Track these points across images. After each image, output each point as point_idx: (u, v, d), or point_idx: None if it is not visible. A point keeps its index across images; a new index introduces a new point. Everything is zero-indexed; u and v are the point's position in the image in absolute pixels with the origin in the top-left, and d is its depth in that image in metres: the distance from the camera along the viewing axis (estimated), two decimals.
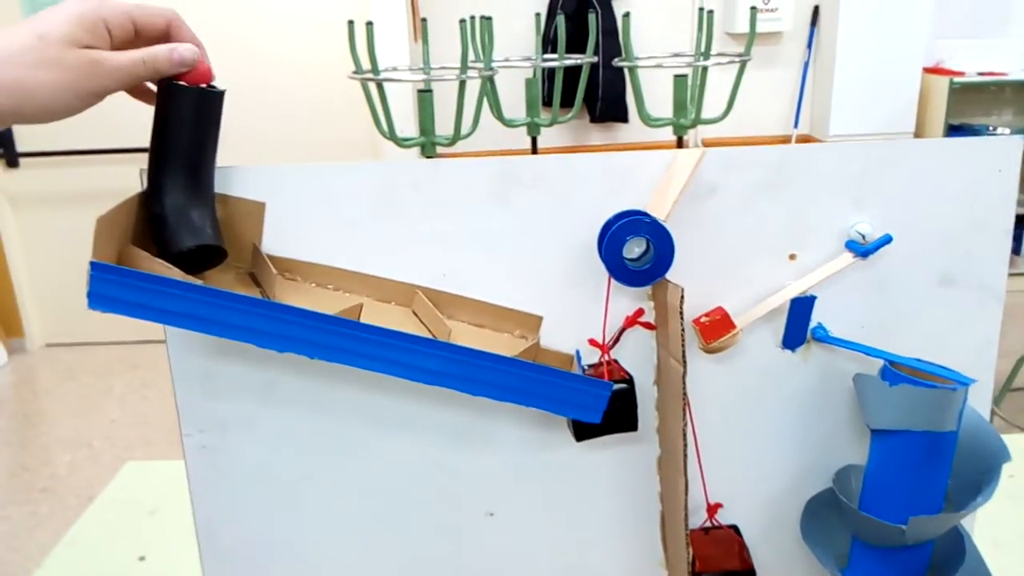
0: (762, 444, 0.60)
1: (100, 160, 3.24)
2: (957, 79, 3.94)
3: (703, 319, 0.56)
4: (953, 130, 4.02)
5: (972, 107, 4.17)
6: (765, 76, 4.09)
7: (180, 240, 0.48)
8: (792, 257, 0.57)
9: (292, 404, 0.58)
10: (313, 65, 3.19)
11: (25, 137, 3.41)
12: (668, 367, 0.56)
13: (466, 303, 0.57)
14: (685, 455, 0.56)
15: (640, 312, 0.57)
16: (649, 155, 0.56)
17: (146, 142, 0.49)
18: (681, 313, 0.53)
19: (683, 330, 0.54)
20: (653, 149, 0.56)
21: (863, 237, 0.56)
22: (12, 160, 3.42)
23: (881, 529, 0.54)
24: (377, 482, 0.60)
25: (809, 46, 4.10)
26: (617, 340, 0.58)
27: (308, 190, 0.55)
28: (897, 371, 0.53)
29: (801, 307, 0.57)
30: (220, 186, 0.53)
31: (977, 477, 0.54)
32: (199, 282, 0.46)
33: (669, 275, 0.54)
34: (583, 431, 0.55)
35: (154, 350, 3.48)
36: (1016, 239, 4.25)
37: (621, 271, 0.55)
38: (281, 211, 0.55)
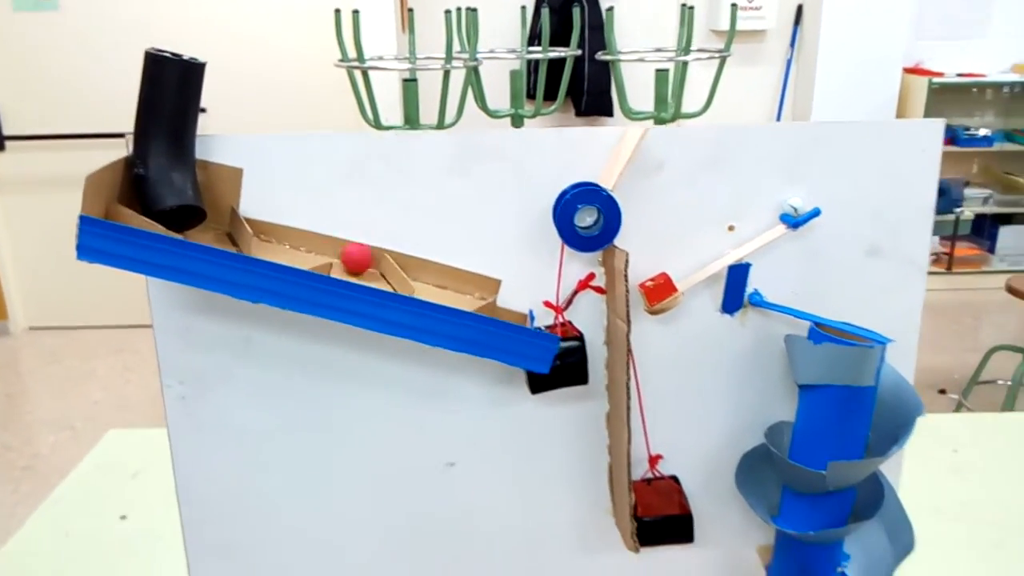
0: (701, 401, 0.65)
1: (86, 144, 3.25)
2: (936, 79, 4.01)
3: (648, 283, 0.61)
4: None
5: (951, 107, 4.25)
6: (749, 73, 4.15)
7: (162, 199, 0.53)
8: (731, 228, 0.62)
9: (266, 359, 0.62)
10: (300, 53, 3.21)
11: (11, 120, 3.42)
12: (615, 327, 0.61)
13: (429, 266, 0.61)
14: (629, 408, 0.61)
15: (591, 276, 0.62)
16: (600, 130, 0.60)
17: (131, 127, 0.53)
18: (626, 277, 0.58)
19: (628, 292, 0.59)
20: None
21: (795, 210, 0.61)
22: None
23: (806, 476, 0.59)
24: (344, 434, 0.64)
25: (792, 44, 4.17)
26: (570, 302, 0.63)
27: (283, 158, 0.59)
28: (822, 331, 0.58)
29: (738, 274, 0.61)
30: (201, 153, 0.57)
31: (895, 430, 0.59)
32: (180, 237, 0.51)
33: (617, 242, 0.59)
34: (538, 384, 0.59)
35: (136, 334, 3.49)
36: (990, 237, 4.33)
37: (573, 238, 0.60)
38: (258, 177, 0.59)
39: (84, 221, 0.48)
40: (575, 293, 0.63)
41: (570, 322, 0.63)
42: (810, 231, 0.62)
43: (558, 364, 0.58)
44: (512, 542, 0.68)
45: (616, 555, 0.68)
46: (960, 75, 4.18)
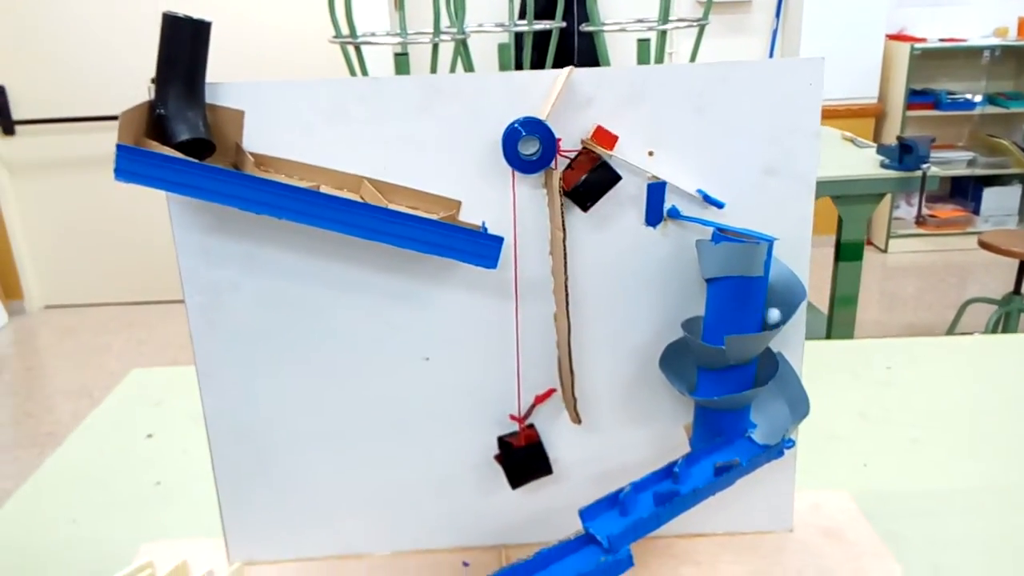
0: (632, 302, 0.78)
1: (95, 127, 3.38)
2: (918, 45, 4.11)
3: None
4: (915, 94, 4.19)
5: (933, 72, 4.35)
6: (735, 44, 4.25)
7: (179, 133, 0.65)
8: (650, 153, 0.74)
9: (267, 271, 0.75)
10: (294, 30, 3.33)
11: (21, 104, 3.55)
12: (555, 237, 0.74)
13: (401, 190, 0.74)
14: (567, 302, 0.74)
15: (550, 392, 0.75)
16: (541, 73, 0.72)
17: None
18: (560, 191, 0.71)
19: (563, 206, 0.72)
20: None
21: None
22: (8, 127, 3.56)
23: (713, 353, 0.72)
24: (335, 333, 0.77)
25: (777, 15, 4.26)
26: (528, 415, 0.80)
27: (277, 101, 0.71)
28: (721, 234, 0.71)
29: (656, 191, 0.74)
30: (208, 99, 0.70)
31: (787, 314, 0.72)
32: (196, 160, 0.64)
33: (554, 165, 0.72)
34: (515, 480, 0.80)
35: (148, 310, 3.65)
36: (975, 199, 4.44)
37: (519, 163, 0.72)
38: (257, 118, 0.72)
39: (120, 148, 0.61)
40: (533, 407, 0.79)
41: (531, 426, 0.80)
42: (716, 154, 0.74)
43: (528, 461, 0.80)
44: (480, 422, 0.81)
45: (566, 430, 0.81)
46: (943, 40, 4.27)
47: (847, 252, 2.55)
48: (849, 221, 2.52)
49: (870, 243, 4.54)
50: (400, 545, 0.85)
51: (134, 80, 3.30)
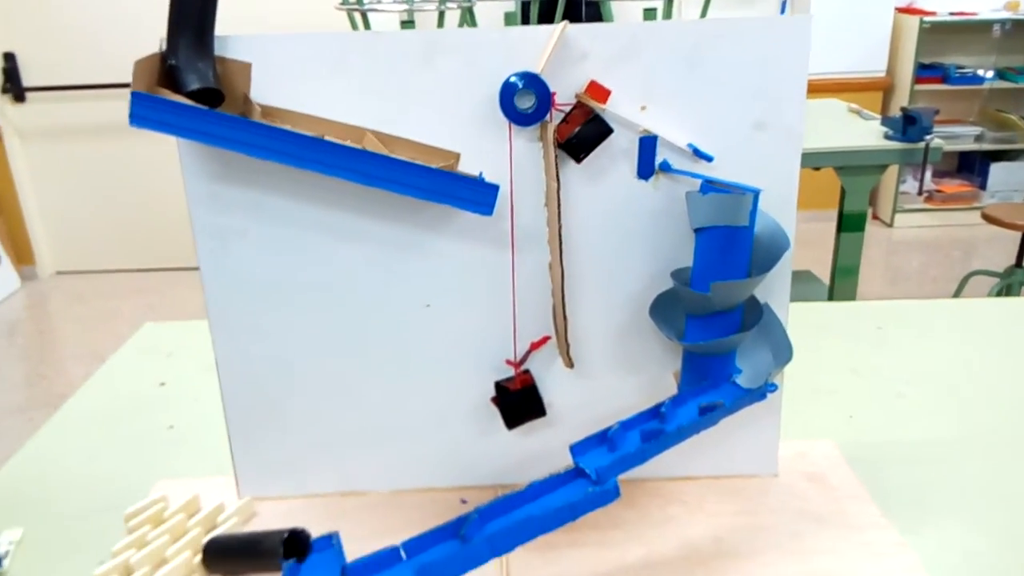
0: (624, 253, 0.81)
1: (105, 95, 3.41)
2: (928, 18, 4.09)
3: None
4: (923, 68, 4.17)
5: (943, 46, 4.32)
6: (745, 16, 4.23)
7: (189, 82, 0.68)
8: (643, 108, 0.77)
9: (274, 219, 0.79)
10: None
11: (31, 72, 3.57)
12: (550, 188, 0.77)
13: (402, 142, 0.77)
14: (561, 252, 0.77)
15: (545, 339, 0.78)
16: (538, 28, 0.75)
17: None
18: (555, 144, 0.74)
19: (557, 157, 0.75)
20: None
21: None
22: (19, 94, 3.59)
23: (700, 300, 0.75)
24: (339, 280, 0.81)
25: None
26: (524, 360, 0.83)
27: (283, 54, 0.74)
28: (709, 185, 0.74)
29: (648, 145, 0.77)
30: (217, 51, 0.73)
31: (770, 263, 0.75)
32: (206, 108, 0.67)
33: (549, 118, 0.75)
34: (510, 420, 0.84)
35: (158, 277, 3.70)
36: (982, 174, 4.43)
37: (515, 116, 0.75)
38: (263, 71, 0.74)
39: (135, 95, 0.64)
40: (528, 353, 0.82)
41: (527, 371, 0.84)
42: (707, 110, 0.77)
43: (523, 403, 0.83)
44: (478, 367, 0.85)
45: (559, 375, 0.85)
46: (953, 14, 4.24)
47: (849, 223, 2.56)
48: (852, 192, 2.54)
49: (876, 218, 4.55)
50: (400, 483, 0.89)
51: (145, 48, 3.32)
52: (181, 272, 3.78)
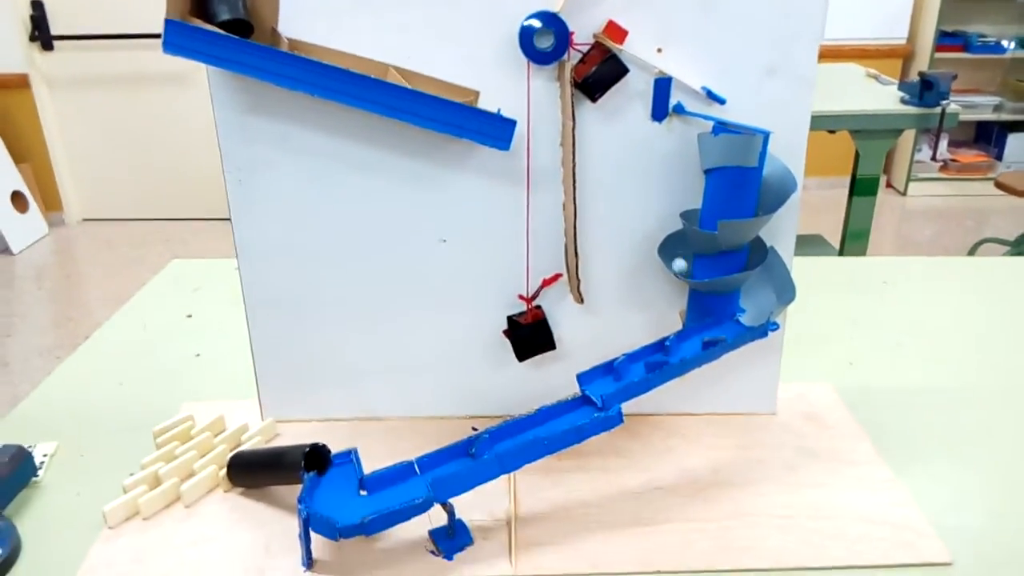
0: (635, 194, 0.84)
1: (133, 44, 3.43)
2: None
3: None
4: (945, 36, 4.11)
5: (965, 14, 4.25)
6: None
7: (220, 12, 0.71)
8: (659, 50, 0.79)
9: (300, 151, 0.82)
10: None
11: (58, 21, 3.59)
12: (565, 126, 0.79)
13: (424, 78, 0.79)
14: (575, 190, 0.80)
15: (556, 276, 0.80)
16: None
17: None
18: (572, 82, 0.76)
19: (573, 96, 0.77)
20: None
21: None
22: (47, 43, 3.61)
23: (707, 238, 0.78)
24: (357, 211, 0.84)
25: None
26: (536, 295, 0.86)
27: None
28: (721, 127, 0.76)
29: (662, 86, 0.79)
30: None
31: (777, 205, 0.78)
32: (236, 37, 0.70)
33: (567, 57, 0.77)
34: (521, 353, 0.87)
35: (182, 226, 3.75)
36: (999, 144, 4.39)
37: (534, 55, 0.77)
38: (291, 5, 0.77)
39: (168, 23, 0.67)
40: (540, 289, 0.85)
41: (538, 306, 0.87)
42: (722, 53, 0.79)
43: (533, 337, 0.86)
44: (491, 301, 0.88)
45: (570, 311, 0.88)
46: None
47: (862, 187, 2.57)
48: (866, 156, 2.54)
49: (889, 186, 4.52)
50: (416, 410, 0.93)
51: None
52: (205, 222, 3.83)
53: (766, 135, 0.75)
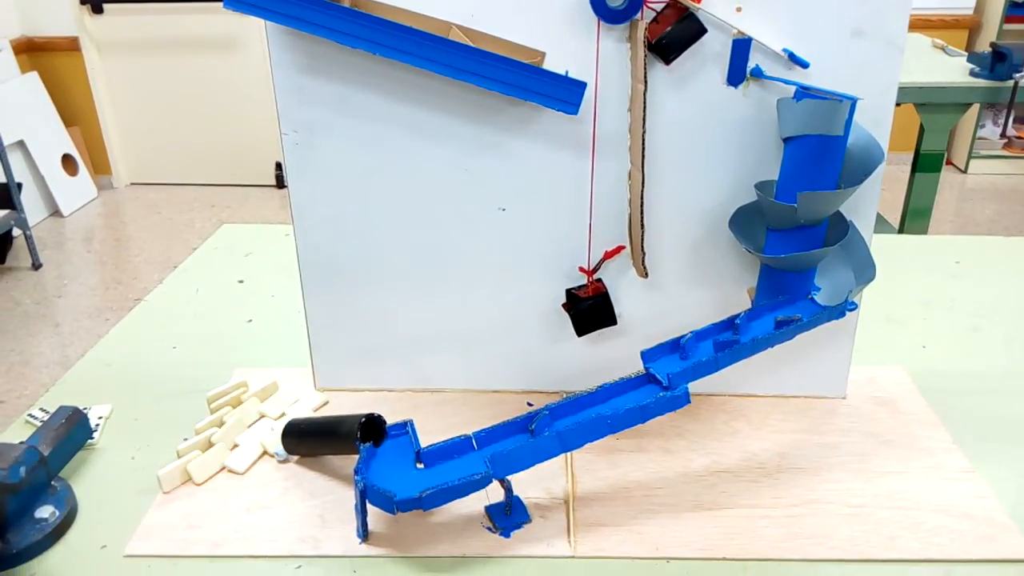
0: (707, 162, 0.79)
1: (183, 8, 3.43)
2: None
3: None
4: (1015, 6, 3.92)
5: None
6: None
7: None
8: (738, 9, 0.74)
9: (358, 114, 0.79)
10: None
11: None
12: (635, 90, 0.75)
13: (488, 38, 0.76)
14: (643, 158, 0.76)
15: (619, 248, 0.76)
16: None
17: None
18: (645, 43, 0.72)
19: (645, 58, 0.73)
20: None
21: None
22: (96, 6, 3.63)
23: (784, 211, 0.74)
24: (417, 178, 0.81)
25: None
26: (597, 268, 0.83)
27: None
28: (804, 92, 0.72)
29: (740, 47, 0.75)
30: None
31: (862, 177, 0.73)
32: None
33: (640, 16, 0.73)
34: (581, 328, 0.84)
35: (229, 192, 3.77)
36: None
37: (605, 13, 0.73)
38: None
39: None
40: (601, 261, 0.82)
41: (600, 280, 0.84)
42: (805, 13, 0.74)
43: (594, 312, 0.82)
44: (551, 273, 0.85)
45: (632, 286, 0.85)
46: None
47: (926, 163, 2.46)
48: (931, 131, 2.43)
49: (949, 163, 4.36)
50: (470, 383, 0.91)
51: None
52: (253, 188, 3.85)
53: (854, 101, 0.70)
